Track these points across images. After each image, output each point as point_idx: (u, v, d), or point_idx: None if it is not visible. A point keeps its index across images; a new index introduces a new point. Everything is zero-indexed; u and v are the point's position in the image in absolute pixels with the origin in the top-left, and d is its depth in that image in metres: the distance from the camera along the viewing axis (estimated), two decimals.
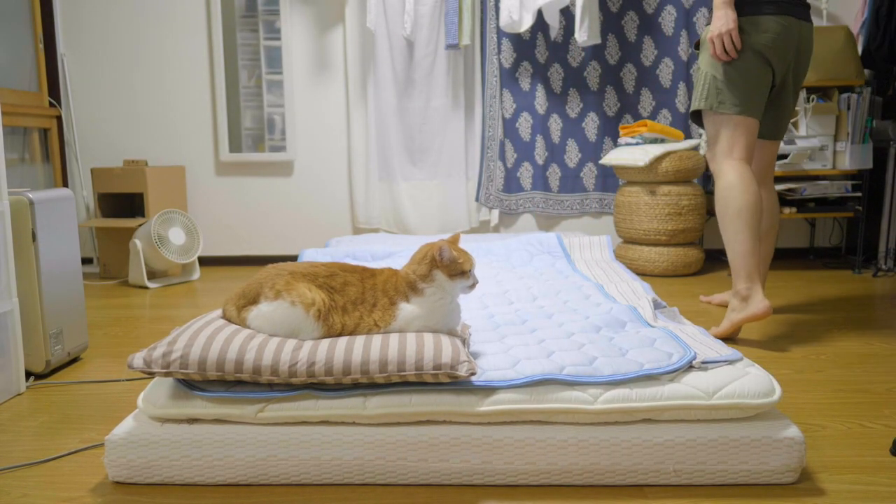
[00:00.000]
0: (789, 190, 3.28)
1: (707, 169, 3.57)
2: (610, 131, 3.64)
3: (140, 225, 3.30)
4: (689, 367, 1.32)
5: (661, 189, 3.19)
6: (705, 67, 2.14)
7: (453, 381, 1.26)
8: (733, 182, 2.08)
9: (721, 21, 2.03)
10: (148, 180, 3.36)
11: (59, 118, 3.62)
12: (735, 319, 2.11)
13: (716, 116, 2.13)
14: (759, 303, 2.06)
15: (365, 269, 1.45)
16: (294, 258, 3.64)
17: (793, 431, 1.23)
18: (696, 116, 2.26)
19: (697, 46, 2.23)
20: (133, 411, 1.34)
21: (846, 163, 3.17)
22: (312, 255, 2.76)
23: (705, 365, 1.33)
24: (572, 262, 2.60)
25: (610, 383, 1.27)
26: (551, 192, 3.69)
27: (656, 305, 1.96)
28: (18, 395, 1.77)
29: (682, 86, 3.53)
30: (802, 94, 3.19)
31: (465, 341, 1.41)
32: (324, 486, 1.26)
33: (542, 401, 1.24)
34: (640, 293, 2.03)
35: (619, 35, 3.57)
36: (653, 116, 3.61)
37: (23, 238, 1.81)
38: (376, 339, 1.31)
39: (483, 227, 3.75)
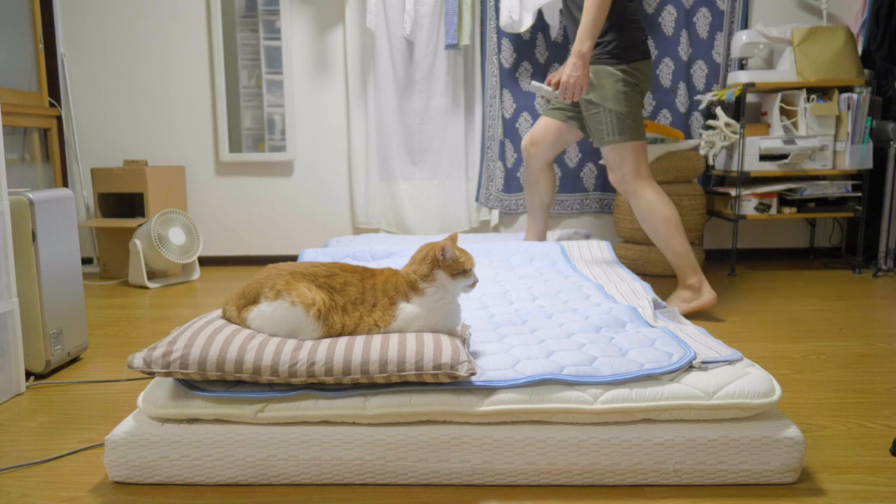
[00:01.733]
0: (789, 190, 3.29)
1: (707, 169, 3.57)
2: None
3: (140, 225, 3.30)
4: (689, 367, 1.32)
5: (661, 189, 3.19)
6: (608, 104, 2.36)
7: (453, 381, 1.26)
8: (654, 198, 2.38)
9: (578, 69, 2.28)
10: (148, 180, 3.36)
11: (59, 118, 3.62)
12: (688, 309, 2.41)
13: (624, 146, 2.39)
14: (709, 293, 2.41)
15: (365, 270, 1.45)
16: (294, 258, 3.65)
17: (793, 431, 1.23)
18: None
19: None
20: (133, 411, 1.34)
21: (846, 163, 3.17)
22: (312, 255, 2.76)
23: (705, 365, 1.34)
24: (571, 262, 2.60)
25: (610, 383, 1.27)
26: None
27: (656, 305, 1.95)
28: (18, 395, 1.77)
29: (682, 86, 3.53)
30: (803, 94, 3.19)
31: (464, 341, 1.41)
32: (324, 486, 1.26)
33: (543, 401, 1.24)
34: (641, 293, 2.03)
35: None
36: (653, 116, 3.61)
37: (23, 238, 1.81)
38: (376, 339, 1.31)
39: (483, 227, 3.75)
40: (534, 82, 2.59)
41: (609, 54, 2.36)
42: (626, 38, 2.36)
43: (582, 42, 2.25)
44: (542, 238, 2.89)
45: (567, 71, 2.31)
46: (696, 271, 2.42)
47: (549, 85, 2.60)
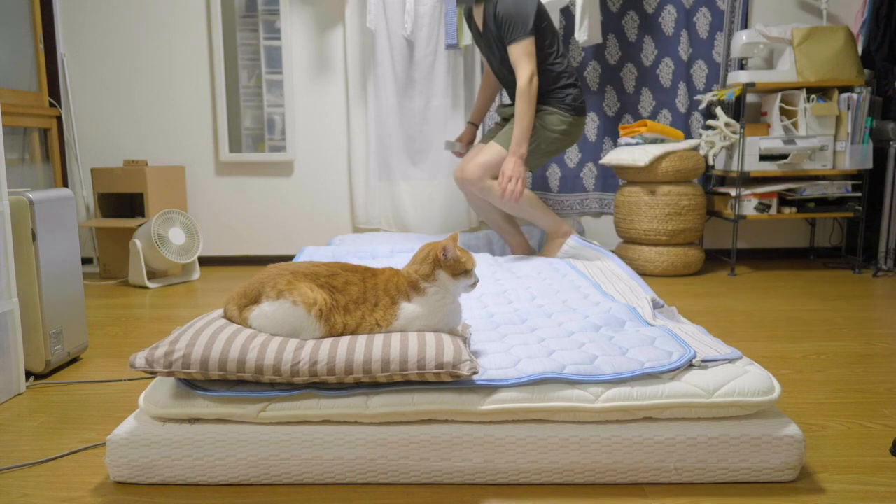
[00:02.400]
0: (789, 190, 3.29)
1: (707, 169, 3.58)
2: (610, 131, 3.65)
3: (140, 225, 3.30)
4: (690, 365, 1.33)
5: (661, 189, 3.19)
6: (540, 139, 2.68)
7: (455, 380, 1.26)
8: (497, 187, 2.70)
9: (520, 168, 2.59)
10: (148, 180, 3.36)
11: (59, 118, 3.62)
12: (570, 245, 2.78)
13: (515, 161, 2.65)
14: (569, 228, 2.83)
15: (367, 269, 1.45)
16: (294, 258, 3.64)
17: (793, 429, 1.23)
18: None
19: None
20: (134, 411, 1.34)
21: (846, 163, 3.18)
22: (313, 252, 2.76)
23: (705, 363, 1.34)
24: (568, 260, 2.60)
25: (611, 382, 1.27)
26: (551, 191, 3.69)
27: (655, 305, 1.95)
28: (18, 395, 1.77)
29: (682, 86, 3.53)
30: (803, 94, 3.19)
31: (466, 341, 1.42)
32: (326, 485, 1.26)
33: (544, 399, 1.24)
34: (640, 293, 2.03)
35: (619, 35, 3.57)
36: (653, 116, 3.61)
37: (23, 238, 1.81)
38: (378, 339, 1.31)
39: (483, 227, 3.75)
40: (447, 139, 2.83)
41: (567, 105, 2.68)
42: (580, 95, 2.71)
43: (520, 145, 2.57)
44: (527, 245, 2.98)
45: (510, 167, 2.58)
46: (561, 219, 2.86)
47: (458, 141, 2.82)
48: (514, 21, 2.50)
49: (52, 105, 3.58)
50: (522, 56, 2.50)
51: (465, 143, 3.03)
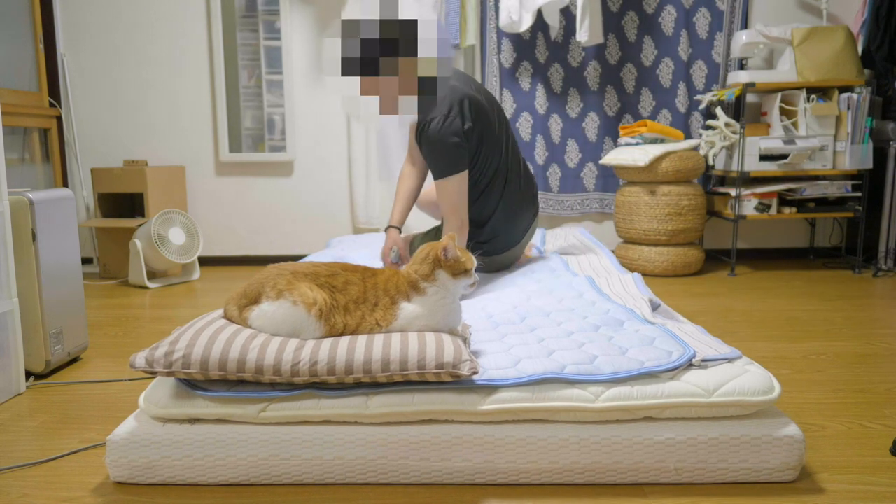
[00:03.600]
0: (789, 190, 3.29)
1: (707, 169, 3.58)
2: (610, 131, 3.65)
3: (140, 225, 3.30)
4: (689, 365, 1.33)
5: (661, 189, 3.19)
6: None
7: (455, 380, 1.26)
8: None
9: None
10: (148, 180, 3.36)
11: (59, 118, 3.62)
12: None
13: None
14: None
15: (366, 269, 1.45)
16: (294, 258, 3.64)
17: (792, 429, 1.23)
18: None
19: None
20: (134, 411, 1.34)
21: (846, 163, 3.18)
22: (314, 258, 2.76)
23: (705, 363, 1.34)
24: (564, 261, 2.59)
25: (611, 381, 1.27)
26: (551, 192, 3.69)
27: (653, 306, 1.94)
28: (18, 395, 1.77)
29: (681, 86, 3.53)
30: (803, 94, 3.19)
31: (465, 341, 1.42)
32: (326, 485, 1.26)
33: (544, 399, 1.24)
34: (637, 294, 2.02)
35: (619, 35, 3.57)
36: (653, 116, 3.61)
37: (23, 238, 1.81)
38: (378, 339, 1.31)
39: None
40: (391, 253, 2.45)
41: (485, 251, 2.25)
42: (505, 240, 2.24)
43: None
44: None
45: None
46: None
47: (395, 250, 2.36)
48: (434, 157, 2.00)
49: (52, 105, 3.58)
50: (447, 203, 2.01)
51: (402, 248, 2.39)
